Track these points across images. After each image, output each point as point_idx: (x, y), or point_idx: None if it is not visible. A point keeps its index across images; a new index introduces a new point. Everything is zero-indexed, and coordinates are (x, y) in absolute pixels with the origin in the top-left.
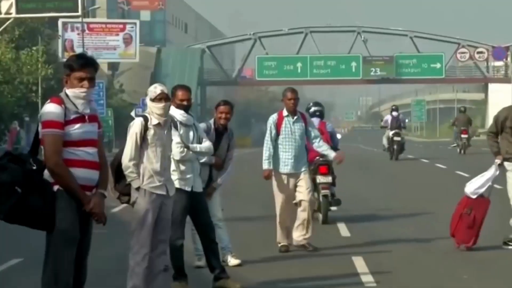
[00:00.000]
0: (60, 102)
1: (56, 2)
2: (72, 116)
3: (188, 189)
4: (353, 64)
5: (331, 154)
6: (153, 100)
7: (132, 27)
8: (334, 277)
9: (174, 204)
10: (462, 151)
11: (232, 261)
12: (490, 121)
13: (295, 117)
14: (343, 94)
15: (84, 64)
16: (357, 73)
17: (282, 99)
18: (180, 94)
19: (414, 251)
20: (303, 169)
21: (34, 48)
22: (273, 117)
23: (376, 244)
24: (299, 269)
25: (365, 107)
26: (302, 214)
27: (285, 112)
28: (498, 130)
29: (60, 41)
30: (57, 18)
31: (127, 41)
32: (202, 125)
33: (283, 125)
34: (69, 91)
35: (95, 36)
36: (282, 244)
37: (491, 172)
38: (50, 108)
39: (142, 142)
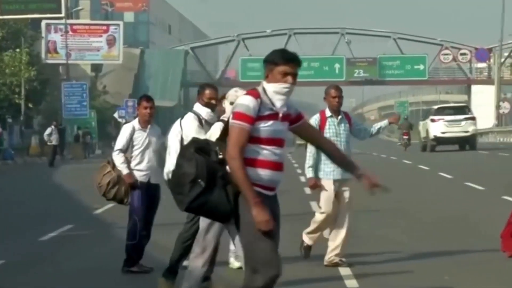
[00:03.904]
0: (257, 95)
1: (39, 3)
2: (266, 112)
3: None
4: (337, 65)
5: (385, 122)
6: (233, 104)
7: (116, 29)
8: (318, 280)
9: None
10: (404, 148)
11: (235, 263)
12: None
13: (339, 117)
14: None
15: (289, 59)
16: (340, 75)
17: (325, 97)
18: (208, 92)
19: (399, 252)
20: (349, 176)
21: (17, 49)
22: (315, 118)
23: (361, 246)
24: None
25: (348, 109)
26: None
27: (328, 112)
28: None
29: (43, 42)
30: (40, 19)
31: (111, 42)
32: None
33: (327, 127)
34: (270, 86)
35: (78, 37)
36: (308, 244)
37: None
38: (245, 101)
39: None
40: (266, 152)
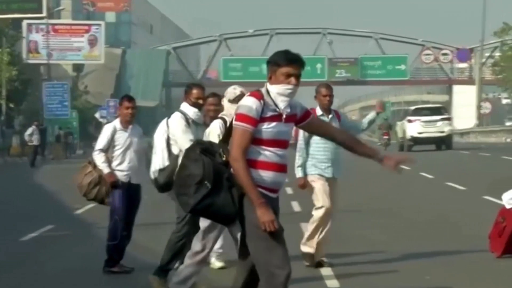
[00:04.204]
0: (260, 97)
1: (20, 3)
2: (269, 114)
3: None
4: (318, 65)
5: (372, 114)
6: (232, 101)
7: (97, 29)
8: (299, 281)
9: None
10: (384, 148)
11: (216, 263)
12: (455, 122)
13: (330, 116)
14: (309, 96)
15: (292, 60)
16: (322, 75)
17: (315, 96)
18: (195, 92)
19: (380, 252)
20: (339, 176)
21: None
22: None
23: (342, 246)
24: None
25: None
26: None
27: (318, 111)
28: None
29: (24, 42)
30: (21, 19)
31: (92, 42)
32: (216, 124)
33: None
34: (273, 87)
35: (59, 37)
36: (309, 252)
37: None
38: (248, 102)
39: None
40: (269, 154)
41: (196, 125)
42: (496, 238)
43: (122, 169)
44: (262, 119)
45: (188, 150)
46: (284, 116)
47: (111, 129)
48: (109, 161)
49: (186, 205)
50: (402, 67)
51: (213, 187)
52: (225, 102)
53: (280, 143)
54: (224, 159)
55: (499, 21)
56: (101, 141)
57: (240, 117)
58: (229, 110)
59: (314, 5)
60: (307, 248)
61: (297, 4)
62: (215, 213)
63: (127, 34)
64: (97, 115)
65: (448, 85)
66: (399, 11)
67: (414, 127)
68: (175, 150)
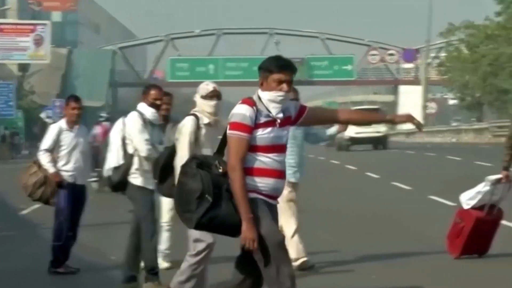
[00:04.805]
0: (252, 104)
1: None
2: (263, 120)
3: (151, 187)
4: None
5: (334, 130)
6: (204, 97)
7: (43, 28)
8: None
9: (142, 202)
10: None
11: (163, 264)
12: None
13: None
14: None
15: (283, 66)
16: None
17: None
18: (153, 93)
19: (327, 252)
20: (301, 181)
21: None
22: None
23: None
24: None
25: None
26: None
27: None
28: None
29: None
30: None
31: (38, 42)
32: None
33: None
34: (265, 94)
35: (5, 37)
36: (305, 260)
37: (481, 185)
38: (241, 110)
39: (194, 142)
40: (267, 160)
41: (153, 126)
42: (454, 239)
43: (67, 169)
44: (257, 125)
45: (184, 167)
46: (278, 121)
47: (57, 129)
48: (54, 161)
49: (189, 221)
50: (349, 67)
51: (214, 200)
52: (197, 98)
53: (277, 148)
54: (221, 170)
55: (445, 21)
56: (47, 141)
57: (234, 125)
58: (201, 106)
59: (260, 5)
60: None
61: (244, 5)
62: (220, 225)
63: (74, 33)
64: (42, 115)
65: (394, 85)
66: (346, 11)
67: (352, 128)
68: (130, 150)
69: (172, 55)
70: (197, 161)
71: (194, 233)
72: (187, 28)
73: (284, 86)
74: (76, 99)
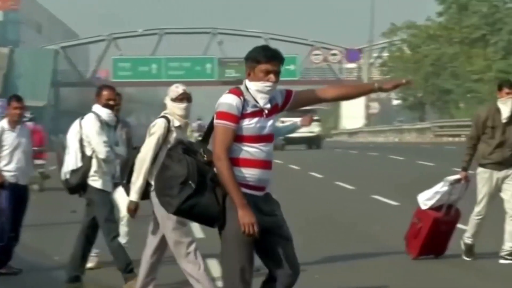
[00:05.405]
0: (239, 94)
1: None
2: (250, 110)
3: (109, 190)
4: (208, 65)
5: (294, 125)
6: (174, 100)
7: None
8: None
9: (102, 204)
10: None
11: (88, 264)
12: (343, 122)
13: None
14: (199, 96)
15: (271, 57)
16: (212, 75)
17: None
18: (106, 93)
19: None
20: None
21: None
22: None
23: None
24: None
25: None
26: None
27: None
28: (479, 133)
29: None
30: None
31: None
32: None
33: None
34: (252, 84)
35: None
36: None
37: (439, 186)
38: (228, 100)
39: (163, 145)
40: (253, 150)
41: (109, 127)
42: (412, 239)
43: (9, 169)
44: (243, 115)
45: (170, 151)
46: (266, 111)
47: None
48: None
49: (170, 206)
50: (292, 67)
51: (197, 187)
52: (167, 101)
53: (264, 138)
54: (205, 158)
55: (387, 22)
56: None
57: (220, 115)
58: (172, 109)
59: (203, 5)
60: None
61: (187, 4)
62: (199, 214)
63: (15, 33)
64: None
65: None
66: (289, 11)
67: None
68: (88, 152)
69: (114, 54)
70: (183, 147)
71: (172, 237)
72: (130, 27)
73: (272, 76)
74: (18, 98)
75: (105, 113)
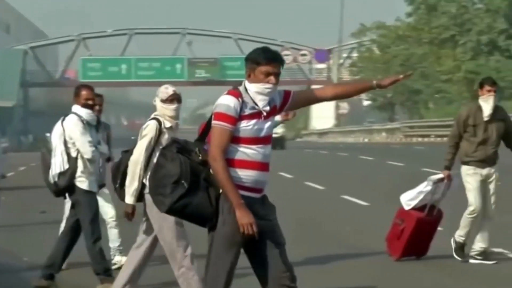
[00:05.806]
0: (238, 95)
1: None
2: (248, 112)
3: (95, 190)
4: (178, 66)
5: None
6: (164, 101)
7: None
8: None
9: (88, 206)
10: None
11: (123, 260)
12: (313, 122)
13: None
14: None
15: (271, 58)
16: (182, 75)
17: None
18: (84, 93)
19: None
20: None
21: None
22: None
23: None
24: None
25: (190, 109)
26: None
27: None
28: (461, 131)
29: None
30: None
31: None
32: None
33: None
34: (252, 86)
35: None
36: None
37: (423, 185)
38: (225, 101)
39: (155, 147)
40: (250, 152)
41: (90, 126)
42: (394, 240)
43: None
44: (241, 117)
45: (164, 149)
46: (264, 114)
47: None
48: None
49: (162, 205)
50: None
51: (190, 187)
52: (157, 102)
53: (261, 140)
54: (200, 158)
55: (357, 22)
56: None
57: (218, 116)
58: (162, 110)
59: (172, 5)
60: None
61: (156, 4)
62: (191, 214)
63: None
64: None
65: (307, 86)
66: (258, 12)
67: None
68: (73, 153)
69: (84, 55)
70: (177, 146)
71: (167, 239)
72: (99, 27)
73: (272, 78)
74: None
75: (85, 113)
